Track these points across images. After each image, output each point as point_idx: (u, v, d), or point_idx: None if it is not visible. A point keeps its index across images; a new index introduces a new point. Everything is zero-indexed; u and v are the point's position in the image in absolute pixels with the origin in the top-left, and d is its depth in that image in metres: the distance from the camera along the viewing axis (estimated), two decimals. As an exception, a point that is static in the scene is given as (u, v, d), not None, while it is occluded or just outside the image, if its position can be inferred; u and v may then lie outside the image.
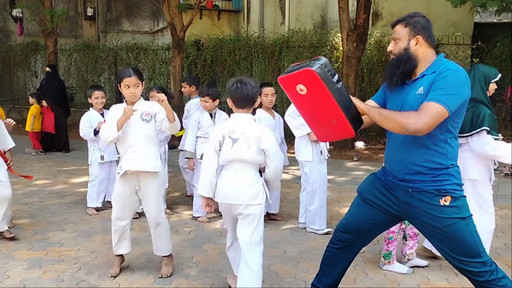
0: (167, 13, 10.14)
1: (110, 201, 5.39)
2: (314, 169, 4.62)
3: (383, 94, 2.73)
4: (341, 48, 10.01)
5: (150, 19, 16.53)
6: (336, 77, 2.41)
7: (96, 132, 5.11)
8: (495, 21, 11.38)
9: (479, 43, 10.80)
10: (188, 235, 4.62)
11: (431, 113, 2.32)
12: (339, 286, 2.98)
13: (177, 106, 10.12)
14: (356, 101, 2.51)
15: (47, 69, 10.09)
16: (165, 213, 5.28)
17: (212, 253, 4.15)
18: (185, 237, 4.56)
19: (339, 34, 9.84)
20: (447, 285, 3.53)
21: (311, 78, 2.38)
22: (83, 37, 16.49)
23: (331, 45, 11.02)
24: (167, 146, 5.45)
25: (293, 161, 5.33)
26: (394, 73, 2.54)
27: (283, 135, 5.09)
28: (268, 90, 4.80)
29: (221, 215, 5.11)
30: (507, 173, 7.51)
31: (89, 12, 16.75)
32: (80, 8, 16.92)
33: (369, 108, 2.50)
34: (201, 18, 14.06)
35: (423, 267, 3.80)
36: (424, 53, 2.50)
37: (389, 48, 2.60)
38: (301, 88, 2.46)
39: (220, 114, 5.13)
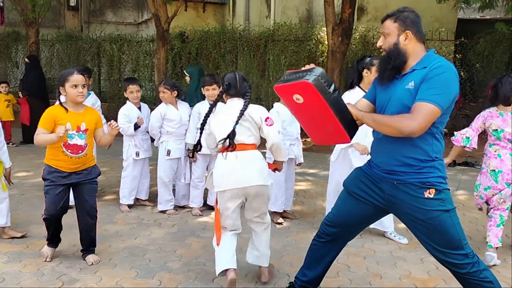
0: (152, 4, 10.02)
1: (139, 199, 5.30)
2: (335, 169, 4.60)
3: (374, 90, 2.74)
4: (326, 42, 10.01)
5: (134, 10, 16.34)
6: (332, 87, 2.45)
7: (136, 127, 4.98)
8: (478, 17, 11.49)
9: (463, 39, 10.91)
10: (171, 229, 4.59)
11: (424, 114, 2.35)
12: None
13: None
14: (351, 108, 2.54)
15: (26, 60, 9.93)
16: (145, 205, 5.28)
17: (195, 246, 4.13)
18: (168, 231, 4.53)
19: (325, 28, 9.83)
20: (429, 278, 3.57)
21: (308, 90, 2.41)
22: (65, 28, 16.22)
23: (316, 39, 11.03)
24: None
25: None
26: (385, 69, 2.56)
27: (299, 132, 4.91)
28: None
29: (211, 208, 5.12)
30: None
31: (72, 2, 16.49)
32: (62, -2, 16.65)
33: (363, 115, 2.53)
34: (186, 10, 13.95)
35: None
36: (413, 48, 2.52)
37: (379, 43, 2.62)
38: (298, 98, 2.49)
39: (221, 105, 5.05)
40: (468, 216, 5.09)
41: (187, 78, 5.81)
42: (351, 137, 2.55)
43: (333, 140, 2.71)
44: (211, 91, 4.88)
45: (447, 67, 2.42)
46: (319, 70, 2.44)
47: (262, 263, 3.44)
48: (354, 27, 9.84)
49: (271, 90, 10.26)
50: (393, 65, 2.52)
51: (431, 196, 2.46)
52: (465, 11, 8.87)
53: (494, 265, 3.74)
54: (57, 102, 3.61)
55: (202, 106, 4.96)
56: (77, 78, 3.50)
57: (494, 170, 3.88)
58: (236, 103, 3.34)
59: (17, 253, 3.90)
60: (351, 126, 2.53)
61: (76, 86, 3.49)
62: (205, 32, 12.00)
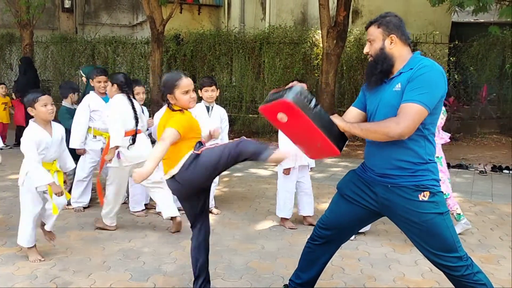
0: (147, 6, 10.03)
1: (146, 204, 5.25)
2: None
3: (363, 97, 2.75)
4: (321, 45, 10.05)
5: (129, 12, 16.34)
6: (313, 102, 2.46)
7: None
8: (472, 20, 11.57)
9: (456, 42, 10.98)
10: (165, 231, 4.58)
11: (410, 115, 2.36)
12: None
13: (156, 101, 10.04)
14: (337, 120, 2.55)
15: (19, 62, 9.96)
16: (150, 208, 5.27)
17: (190, 249, 4.11)
18: (163, 233, 4.52)
19: (319, 31, 9.87)
20: (423, 281, 3.57)
21: (289, 108, 2.43)
22: (60, 30, 16.20)
23: (311, 41, 11.06)
24: None
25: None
26: (372, 74, 2.58)
27: None
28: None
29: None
30: (482, 171, 7.66)
31: (67, 4, 16.49)
32: (57, 0, 16.61)
33: (349, 126, 2.55)
34: (181, 12, 13.97)
35: None
36: (399, 52, 2.54)
37: (365, 50, 2.64)
38: (282, 117, 2.51)
39: (218, 109, 5.06)
40: (462, 218, 5.10)
41: (83, 79, 5.75)
42: (340, 149, 2.57)
43: (324, 153, 2.72)
44: (210, 92, 4.84)
45: (431, 66, 2.43)
46: (298, 88, 2.45)
47: (175, 213, 4.46)
48: (348, 30, 9.88)
49: (266, 93, 10.28)
50: (381, 69, 2.54)
51: (425, 199, 2.46)
52: (459, 14, 8.94)
53: None
54: (164, 108, 3.10)
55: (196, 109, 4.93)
56: (187, 82, 2.96)
57: (438, 157, 4.37)
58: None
59: (10, 255, 3.88)
60: (338, 138, 2.55)
61: (187, 92, 2.94)
62: (200, 35, 12.01)
